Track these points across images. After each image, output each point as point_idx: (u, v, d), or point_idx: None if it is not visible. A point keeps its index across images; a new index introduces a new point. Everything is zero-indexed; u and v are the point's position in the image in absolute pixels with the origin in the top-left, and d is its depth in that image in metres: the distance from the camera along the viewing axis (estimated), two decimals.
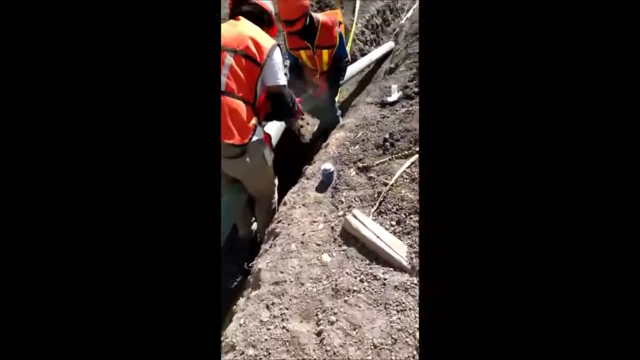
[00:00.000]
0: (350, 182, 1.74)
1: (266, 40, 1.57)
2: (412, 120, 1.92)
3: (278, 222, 1.62)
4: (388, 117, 2.15)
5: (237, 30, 1.55)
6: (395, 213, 1.48)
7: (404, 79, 2.63)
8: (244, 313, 1.27)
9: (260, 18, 1.70)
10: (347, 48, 3.83)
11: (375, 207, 1.53)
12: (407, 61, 2.87)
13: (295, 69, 2.58)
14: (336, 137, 2.14)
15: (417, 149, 1.72)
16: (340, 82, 2.62)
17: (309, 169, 1.92)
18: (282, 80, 1.63)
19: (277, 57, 1.60)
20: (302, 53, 2.47)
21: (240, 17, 1.63)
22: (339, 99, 3.16)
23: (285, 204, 1.74)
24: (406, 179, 1.61)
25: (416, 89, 2.33)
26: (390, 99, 2.34)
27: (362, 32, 4.23)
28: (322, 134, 2.93)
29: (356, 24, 4.11)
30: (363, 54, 4.17)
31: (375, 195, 1.60)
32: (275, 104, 1.69)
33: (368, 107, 2.41)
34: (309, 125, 3.07)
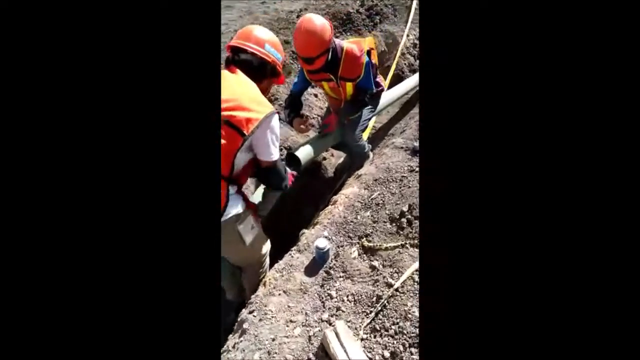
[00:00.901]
0: (349, 266, 1.38)
1: (259, 108, 1.25)
2: None
3: (250, 312, 1.31)
4: (416, 173, 1.72)
5: (226, 88, 1.24)
6: (393, 337, 1.09)
7: None
8: None
9: (261, 71, 1.38)
10: (392, 66, 3.40)
11: (368, 321, 1.16)
12: None
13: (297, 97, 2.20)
14: (346, 193, 1.77)
15: None
16: (364, 115, 2.21)
17: (306, 236, 1.58)
18: (275, 154, 1.35)
19: (272, 129, 1.29)
20: (324, 84, 2.12)
21: (236, 69, 1.33)
22: (369, 134, 2.73)
23: (265, 284, 1.42)
24: (417, 283, 1.20)
25: None
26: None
27: (415, 45, 3.71)
28: (347, 169, 2.57)
29: (407, 36, 3.61)
30: (413, 70, 3.67)
31: (374, 299, 1.22)
32: (263, 176, 1.41)
33: (396, 152, 1.99)
34: (333, 157, 2.71)
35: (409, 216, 1.43)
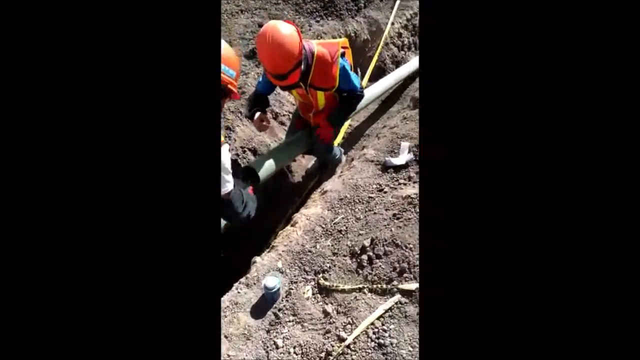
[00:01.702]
0: (300, 309, 1.23)
1: None
2: (411, 223, 1.33)
3: None
4: (385, 193, 1.57)
5: None
6: None
7: (417, 130, 1.98)
8: None
9: None
10: (375, 57, 3.16)
11: None
12: None
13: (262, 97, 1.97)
14: (308, 214, 1.60)
15: (402, 286, 1.15)
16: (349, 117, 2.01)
17: (257, 267, 1.42)
18: (229, 185, 1.23)
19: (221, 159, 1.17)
20: (293, 91, 1.89)
21: None
22: (340, 141, 2.52)
23: None
24: (373, 338, 1.07)
25: None
26: (395, 161, 1.74)
27: (399, 35, 3.47)
28: (318, 172, 2.39)
29: (392, 24, 3.36)
30: (395, 62, 3.45)
31: (323, 355, 1.08)
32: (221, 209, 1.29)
33: (366, 166, 1.82)
34: (304, 158, 2.52)
35: (370, 253, 1.29)
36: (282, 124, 2.57)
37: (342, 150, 2.37)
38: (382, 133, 2.22)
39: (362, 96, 1.99)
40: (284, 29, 1.51)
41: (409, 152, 1.77)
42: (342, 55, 1.82)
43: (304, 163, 2.52)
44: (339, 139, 2.24)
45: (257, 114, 1.86)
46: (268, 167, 1.70)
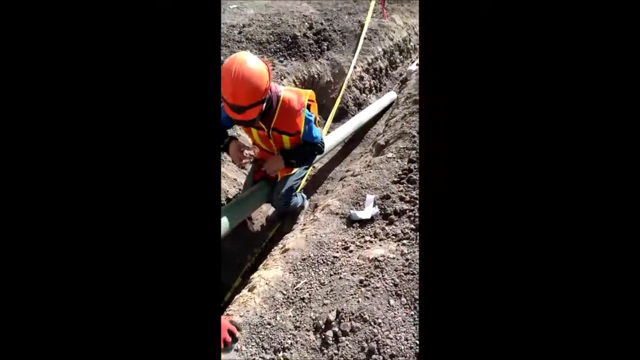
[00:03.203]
0: None
1: None
2: (379, 293, 1.24)
3: None
4: (350, 252, 1.49)
5: None
6: None
7: (389, 173, 1.96)
8: None
9: None
10: (337, 99, 3.19)
11: None
12: (401, 144, 2.19)
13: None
14: (268, 277, 1.46)
15: None
16: (297, 173, 1.94)
17: None
18: None
19: None
20: (253, 131, 1.80)
21: None
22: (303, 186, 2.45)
23: None
24: None
25: (400, 205, 1.66)
26: (360, 215, 1.67)
27: (361, 78, 3.56)
28: (280, 220, 2.27)
29: (354, 68, 3.44)
30: (357, 104, 3.51)
31: None
32: None
33: (331, 219, 1.74)
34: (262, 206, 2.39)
35: (336, 329, 1.17)
36: (242, 168, 2.44)
37: (305, 196, 2.28)
38: (346, 180, 2.18)
39: (321, 150, 1.94)
40: (255, 62, 1.44)
41: (374, 205, 1.72)
42: (308, 107, 1.77)
43: (265, 209, 2.39)
44: (301, 186, 2.15)
45: (233, 144, 1.74)
46: (223, 228, 1.56)
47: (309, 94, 1.79)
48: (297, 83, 3.16)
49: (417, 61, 3.82)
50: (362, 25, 3.75)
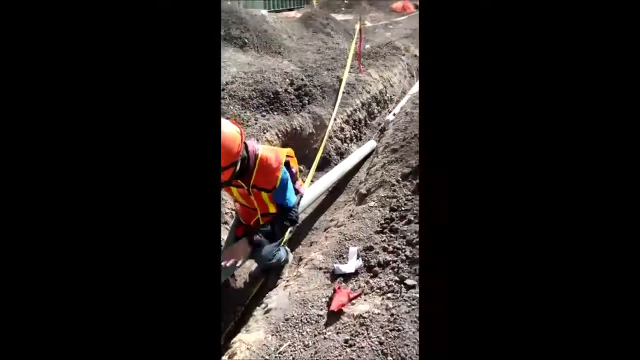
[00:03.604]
0: None
1: None
2: (364, 353, 1.19)
3: None
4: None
5: None
6: None
7: (371, 223, 1.97)
8: None
9: None
10: (320, 150, 3.28)
11: None
12: (382, 192, 2.24)
13: None
14: (249, 341, 1.39)
15: None
16: (277, 234, 1.93)
17: None
18: None
19: None
20: (233, 189, 1.82)
21: None
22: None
23: None
24: None
25: (383, 256, 1.65)
26: (344, 269, 1.65)
27: (342, 129, 3.70)
28: (263, 275, 2.21)
29: (335, 119, 3.59)
30: (339, 153, 3.61)
31: None
32: None
33: (314, 274, 1.71)
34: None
35: None
36: (225, 223, 2.42)
37: (288, 249, 2.25)
38: (329, 231, 2.17)
39: (293, 219, 1.88)
40: (227, 128, 1.51)
41: (357, 257, 1.71)
42: (287, 164, 1.82)
43: (248, 265, 2.33)
44: (285, 239, 2.13)
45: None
46: None
47: (286, 151, 1.84)
48: (280, 135, 3.26)
49: (394, 111, 4.02)
50: (341, 80, 3.98)
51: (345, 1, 10.60)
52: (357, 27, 4.91)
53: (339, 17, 7.72)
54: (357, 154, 3.27)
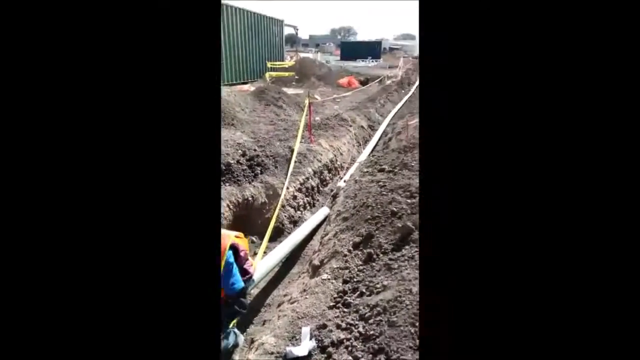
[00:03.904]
0: None
1: None
2: None
3: None
4: None
5: None
6: None
7: (325, 298, 1.93)
8: None
9: None
10: (272, 219, 3.27)
11: None
12: (334, 263, 2.23)
13: None
14: None
15: None
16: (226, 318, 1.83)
17: None
18: None
19: None
20: None
21: None
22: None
23: None
24: None
25: (337, 334, 1.60)
26: (296, 352, 1.56)
27: (295, 197, 3.77)
28: None
29: (287, 188, 3.66)
30: (293, 222, 3.62)
31: None
32: None
33: (269, 350, 1.59)
34: None
35: None
36: None
37: (238, 332, 2.10)
38: (282, 309, 2.08)
39: (243, 305, 1.83)
40: None
41: (310, 337, 1.63)
42: (235, 247, 1.79)
43: None
44: (234, 321, 1.99)
45: None
46: None
47: (233, 235, 1.82)
48: (232, 207, 3.23)
49: (345, 178, 4.21)
50: (292, 150, 4.16)
51: (296, 77, 11.53)
52: (307, 101, 5.30)
53: (290, 91, 8.32)
54: (310, 222, 3.30)
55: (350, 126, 5.91)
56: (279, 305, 2.34)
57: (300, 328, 1.71)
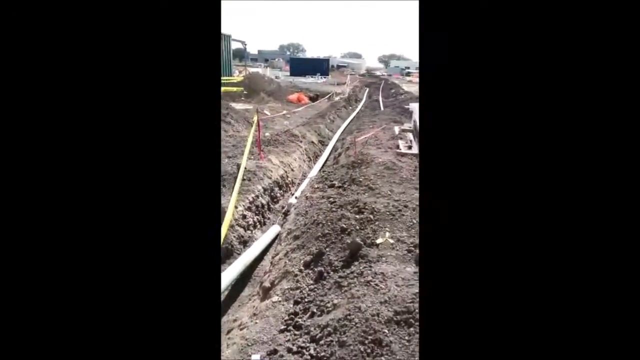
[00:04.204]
0: None
1: None
2: None
3: None
4: None
5: None
6: None
7: (275, 321, 1.88)
8: None
9: None
10: (222, 235, 3.15)
11: None
12: (285, 284, 2.19)
13: None
14: None
15: None
16: None
17: None
18: None
19: None
20: None
21: None
22: None
23: None
24: None
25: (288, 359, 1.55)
26: None
27: (244, 216, 3.66)
28: None
29: (235, 207, 3.55)
30: (242, 242, 3.51)
31: None
32: None
33: None
34: None
35: None
36: None
37: None
38: (231, 337, 1.98)
39: None
40: None
41: None
42: None
43: None
44: None
45: None
46: None
47: None
48: None
49: (296, 194, 4.21)
50: (239, 167, 4.06)
51: (245, 92, 11.43)
52: (256, 117, 5.25)
53: (239, 106, 8.21)
54: (261, 242, 3.22)
55: (301, 142, 5.96)
56: (228, 332, 2.23)
57: (250, 356, 1.64)
